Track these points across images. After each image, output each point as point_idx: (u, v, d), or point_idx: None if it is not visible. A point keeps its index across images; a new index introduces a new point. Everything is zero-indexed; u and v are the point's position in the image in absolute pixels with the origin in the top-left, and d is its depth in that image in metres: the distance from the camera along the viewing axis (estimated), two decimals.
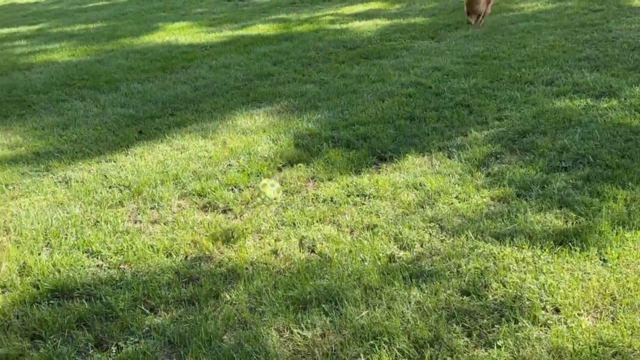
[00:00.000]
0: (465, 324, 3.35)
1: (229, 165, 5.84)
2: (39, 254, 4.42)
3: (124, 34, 13.33)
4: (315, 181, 5.36)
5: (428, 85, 7.63)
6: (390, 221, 4.51)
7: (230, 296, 3.80)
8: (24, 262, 4.32)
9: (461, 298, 3.56)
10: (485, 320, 3.36)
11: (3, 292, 4.01)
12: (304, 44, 10.75)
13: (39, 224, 4.89)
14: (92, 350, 3.41)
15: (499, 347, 3.17)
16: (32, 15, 18.88)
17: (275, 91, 8.07)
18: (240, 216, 4.87)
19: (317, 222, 4.63)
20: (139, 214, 5.02)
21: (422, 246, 4.14)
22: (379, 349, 3.16)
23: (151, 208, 5.09)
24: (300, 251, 4.26)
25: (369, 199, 4.91)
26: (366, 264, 3.96)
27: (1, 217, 5.04)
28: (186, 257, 4.31)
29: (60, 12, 19.22)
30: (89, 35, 13.50)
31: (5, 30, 15.66)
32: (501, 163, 5.31)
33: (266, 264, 4.13)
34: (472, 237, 4.15)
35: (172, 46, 11.60)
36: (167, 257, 4.34)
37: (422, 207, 4.68)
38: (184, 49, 11.14)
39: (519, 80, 7.50)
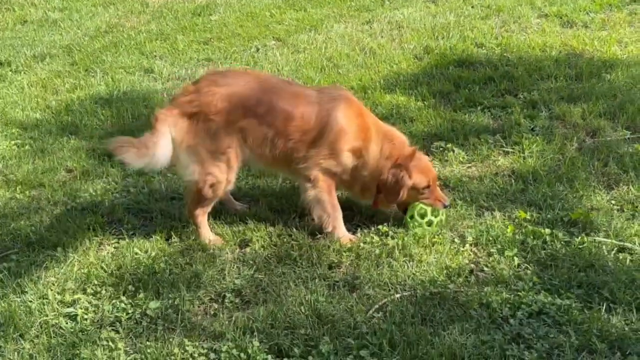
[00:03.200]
0: None
1: None
2: (436, 41, 5.68)
3: None
4: None
5: None
6: None
7: (610, 77, 4.65)
8: (426, 45, 5.61)
9: None
10: None
11: (418, 60, 5.35)
12: None
13: (423, 24, 6.15)
14: (503, 95, 4.56)
15: None
16: None
17: None
18: (600, 31, 5.60)
19: None
20: (503, 25, 6.01)
21: None
22: None
23: (514, 22, 6.04)
24: None
25: None
26: None
27: (392, 19, 6.40)
28: (559, 52, 5.22)
29: None
30: None
31: None
32: None
33: (636, 62, 4.87)
34: None
35: None
36: (542, 52, 5.29)
37: None
38: None
39: None
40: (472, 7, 6.59)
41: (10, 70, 5.51)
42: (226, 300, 2.74)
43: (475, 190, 3.45)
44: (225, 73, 3.26)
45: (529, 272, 2.79)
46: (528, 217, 3.16)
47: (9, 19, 6.99)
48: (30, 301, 2.72)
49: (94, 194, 3.55)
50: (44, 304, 2.69)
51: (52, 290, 2.77)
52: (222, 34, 6.25)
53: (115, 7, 7.29)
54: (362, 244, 3.01)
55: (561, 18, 6.00)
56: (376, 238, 3.06)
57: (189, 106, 2.90)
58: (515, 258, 2.87)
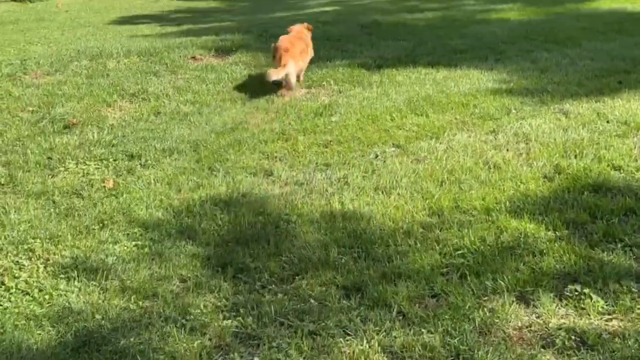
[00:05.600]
0: None
1: None
2: (568, 159, 5.33)
3: None
4: None
5: None
6: None
7: None
8: (557, 163, 5.27)
9: None
10: None
11: (548, 180, 5.01)
12: None
13: (553, 139, 5.83)
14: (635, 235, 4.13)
15: None
16: None
17: None
18: None
19: None
20: None
21: None
22: None
23: None
24: None
25: None
26: None
27: (519, 130, 6.14)
28: None
29: None
30: None
31: None
32: None
33: None
34: None
35: (619, 12, 11.68)
36: None
37: None
38: (637, 16, 11.13)
39: None
40: (608, 122, 6.20)
41: (140, 164, 5.78)
42: None
43: (617, 352, 3.03)
44: None
45: None
46: None
47: (144, 110, 7.44)
48: None
49: (204, 310, 3.50)
50: None
51: None
52: (342, 136, 6.26)
53: (242, 102, 7.59)
54: None
55: None
56: None
57: None
58: None
